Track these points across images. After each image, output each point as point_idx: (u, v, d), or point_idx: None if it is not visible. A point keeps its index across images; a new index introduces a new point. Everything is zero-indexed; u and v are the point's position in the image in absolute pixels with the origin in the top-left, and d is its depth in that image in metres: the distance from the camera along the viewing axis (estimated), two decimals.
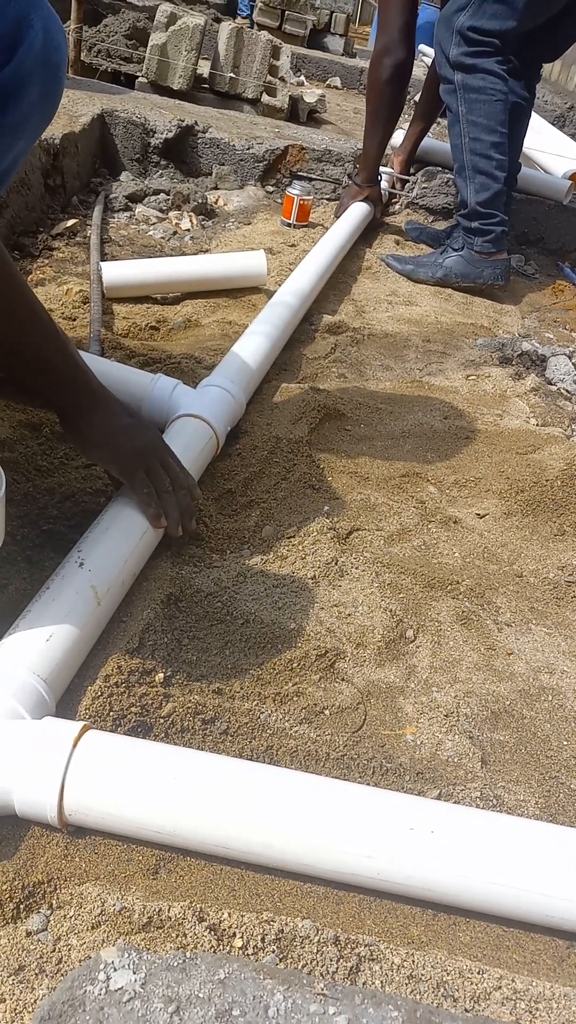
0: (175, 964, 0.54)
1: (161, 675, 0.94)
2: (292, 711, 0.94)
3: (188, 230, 2.38)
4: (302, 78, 5.36)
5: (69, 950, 0.67)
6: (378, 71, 2.32)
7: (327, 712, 0.96)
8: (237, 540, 1.21)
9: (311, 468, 1.37)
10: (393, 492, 1.36)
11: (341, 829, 0.71)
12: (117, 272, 1.81)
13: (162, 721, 0.88)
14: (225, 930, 0.66)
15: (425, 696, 0.99)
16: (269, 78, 3.81)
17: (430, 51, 4.84)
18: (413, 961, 0.68)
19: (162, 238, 2.29)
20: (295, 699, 0.96)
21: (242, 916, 0.68)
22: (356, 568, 1.16)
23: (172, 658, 0.98)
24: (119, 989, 0.52)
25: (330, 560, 1.17)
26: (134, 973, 0.53)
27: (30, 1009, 0.61)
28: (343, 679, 1.00)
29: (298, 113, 4.21)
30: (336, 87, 5.70)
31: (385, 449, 1.48)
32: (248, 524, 1.24)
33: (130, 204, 2.43)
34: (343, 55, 6.62)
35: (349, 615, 1.08)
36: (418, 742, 0.93)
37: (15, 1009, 0.62)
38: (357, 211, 2.51)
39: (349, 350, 1.84)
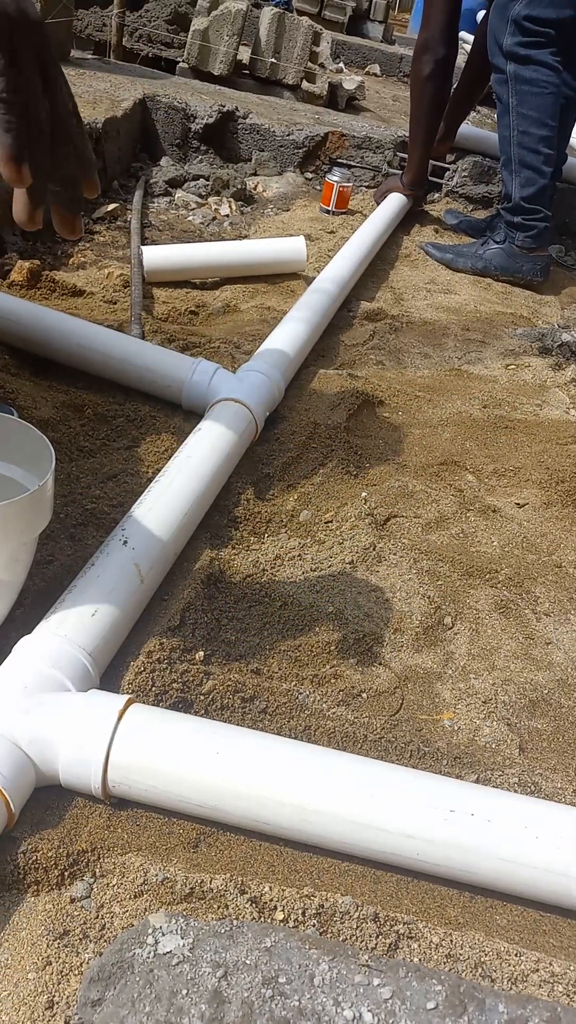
0: (222, 931, 0.55)
1: (201, 653, 0.95)
2: (330, 693, 0.95)
3: (227, 216, 2.38)
4: (341, 65, 5.31)
5: (112, 917, 0.68)
6: (419, 67, 2.31)
7: (364, 695, 0.96)
8: (275, 524, 1.22)
9: (349, 454, 1.37)
10: (431, 480, 1.36)
11: (381, 808, 0.72)
12: (158, 256, 1.82)
13: (202, 698, 0.89)
14: (266, 903, 0.67)
15: (463, 683, 0.99)
16: (309, 64, 3.79)
17: (470, 38, 4.77)
18: (451, 941, 0.68)
19: (201, 223, 2.29)
20: (333, 681, 0.97)
21: (283, 890, 0.69)
22: (394, 554, 1.16)
23: (212, 637, 0.99)
24: (168, 953, 0.53)
25: (368, 546, 1.17)
26: (182, 938, 0.54)
27: (76, 972, 0.63)
28: (381, 663, 1.00)
29: (336, 100, 4.17)
30: (375, 74, 5.65)
31: (423, 437, 1.47)
32: (286, 508, 1.24)
33: (170, 189, 2.44)
34: (382, 42, 6.54)
35: (387, 600, 1.09)
36: (456, 727, 0.93)
37: (61, 972, 0.63)
38: (397, 199, 2.50)
39: (387, 337, 1.83)
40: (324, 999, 0.50)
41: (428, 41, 2.24)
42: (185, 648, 0.95)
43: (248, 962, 0.52)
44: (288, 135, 2.75)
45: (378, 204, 2.48)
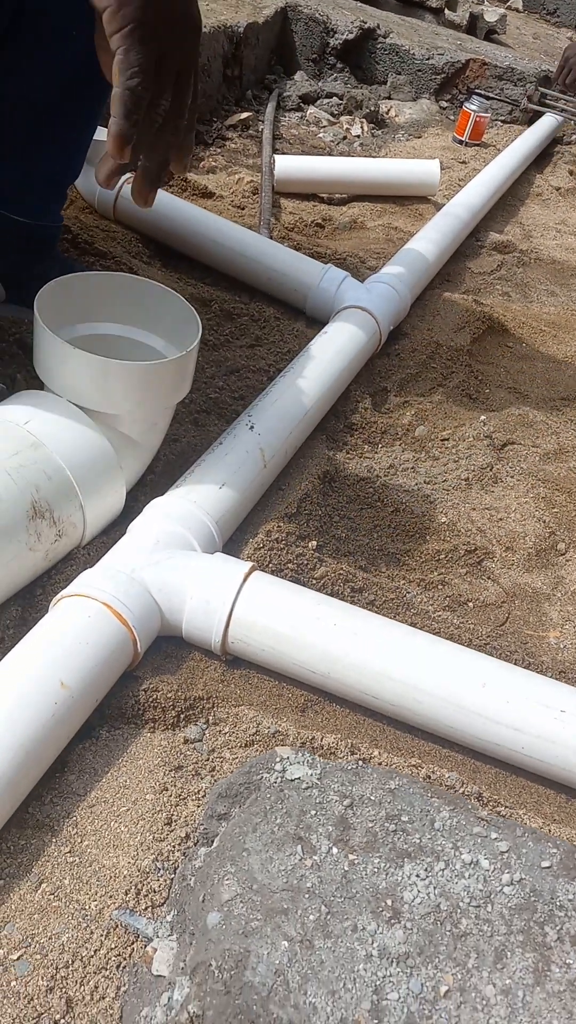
0: (348, 768, 0.57)
1: (314, 543, 0.97)
2: (436, 598, 0.96)
3: (358, 136, 2.32)
4: None
5: (222, 762, 0.72)
6: None
7: (471, 604, 0.96)
8: (390, 436, 1.21)
9: (469, 377, 1.35)
10: (552, 412, 1.33)
11: (492, 699, 0.73)
12: (290, 165, 1.80)
13: (314, 582, 0.91)
14: (376, 766, 0.69)
15: (571, 606, 0.99)
16: None
17: None
18: (549, 831, 0.69)
19: (331, 141, 2.25)
20: (440, 587, 0.98)
21: (391, 757, 0.71)
22: (511, 477, 1.15)
23: (324, 530, 1.00)
24: (296, 779, 0.55)
25: (485, 466, 1.16)
26: (310, 768, 0.56)
27: (194, 797, 0.66)
28: (489, 577, 1.00)
29: (475, 31, 3.98)
30: (517, 9, 5.35)
31: (546, 371, 1.44)
32: (402, 422, 1.24)
33: (302, 104, 2.39)
34: None
35: (501, 519, 1.08)
36: (561, 645, 0.93)
37: (179, 795, 0.67)
38: (535, 135, 2.39)
39: (515, 270, 1.78)
40: (444, 842, 0.52)
41: None
42: (300, 535, 0.96)
43: (373, 798, 0.54)
44: (427, 59, 2.65)
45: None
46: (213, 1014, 0.43)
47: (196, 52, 0.73)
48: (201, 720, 0.75)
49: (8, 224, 1.07)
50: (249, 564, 0.80)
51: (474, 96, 2.49)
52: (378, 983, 0.45)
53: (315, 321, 1.39)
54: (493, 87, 2.75)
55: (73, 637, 0.68)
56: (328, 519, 1.02)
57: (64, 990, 0.55)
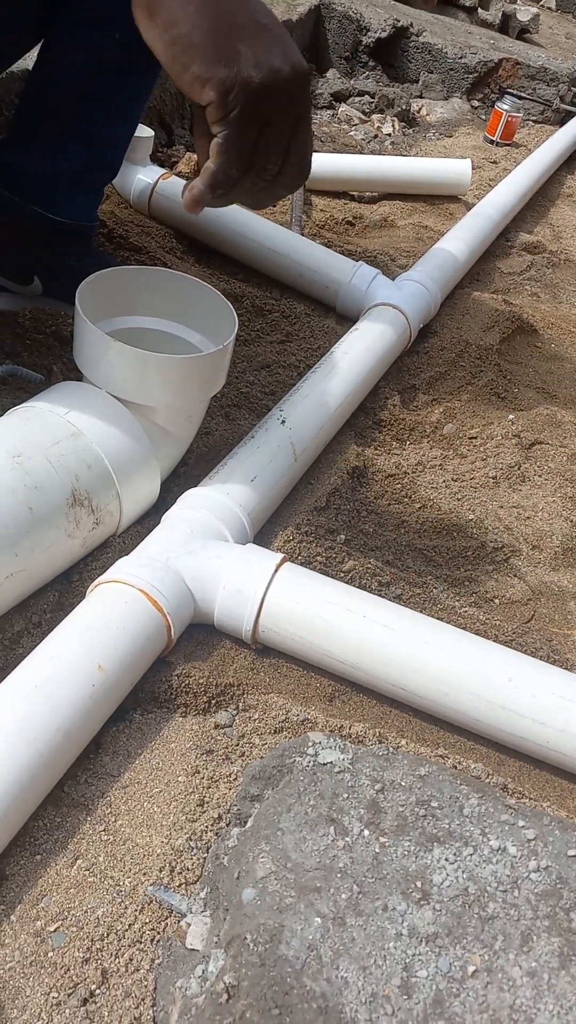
0: (380, 754, 0.58)
1: (342, 536, 0.98)
2: (463, 594, 0.97)
3: (389, 135, 2.33)
4: None
5: (251, 748, 0.73)
6: None
7: (497, 601, 0.97)
8: (418, 433, 1.22)
9: (498, 376, 1.35)
10: None
11: (518, 692, 0.74)
12: (320, 163, 1.81)
13: (343, 575, 0.93)
14: (404, 755, 0.70)
15: None
16: None
17: None
18: (573, 823, 0.70)
19: (362, 139, 2.26)
20: (466, 584, 0.99)
21: (418, 747, 0.72)
22: (539, 476, 1.16)
23: (352, 525, 1.01)
24: (329, 763, 0.57)
25: (512, 464, 1.17)
26: (342, 753, 0.58)
27: (225, 780, 0.68)
28: (516, 575, 1.01)
29: (508, 30, 3.97)
30: (550, 8, 5.32)
31: (575, 372, 1.44)
32: (430, 420, 1.25)
33: (334, 103, 2.40)
34: None
35: (528, 518, 1.09)
36: None
37: (211, 778, 0.68)
38: (573, 130, 2.39)
39: (544, 271, 1.78)
40: (472, 828, 0.54)
41: None
42: (328, 529, 0.98)
43: (403, 784, 0.56)
44: (460, 58, 2.65)
45: None
46: (248, 985, 0.45)
47: (307, 104, 0.66)
48: (231, 706, 0.77)
49: (41, 219, 1.08)
50: (280, 555, 0.81)
51: (506, 96, 2.49)
52: (408, 961, 0.46)
53: (345, 318, 1.40)
54: (525, 87, 2.75)
55: (110, 622, 0.70)
56: (356, 514, 1.04)
57: (100, 962, 0.57)
